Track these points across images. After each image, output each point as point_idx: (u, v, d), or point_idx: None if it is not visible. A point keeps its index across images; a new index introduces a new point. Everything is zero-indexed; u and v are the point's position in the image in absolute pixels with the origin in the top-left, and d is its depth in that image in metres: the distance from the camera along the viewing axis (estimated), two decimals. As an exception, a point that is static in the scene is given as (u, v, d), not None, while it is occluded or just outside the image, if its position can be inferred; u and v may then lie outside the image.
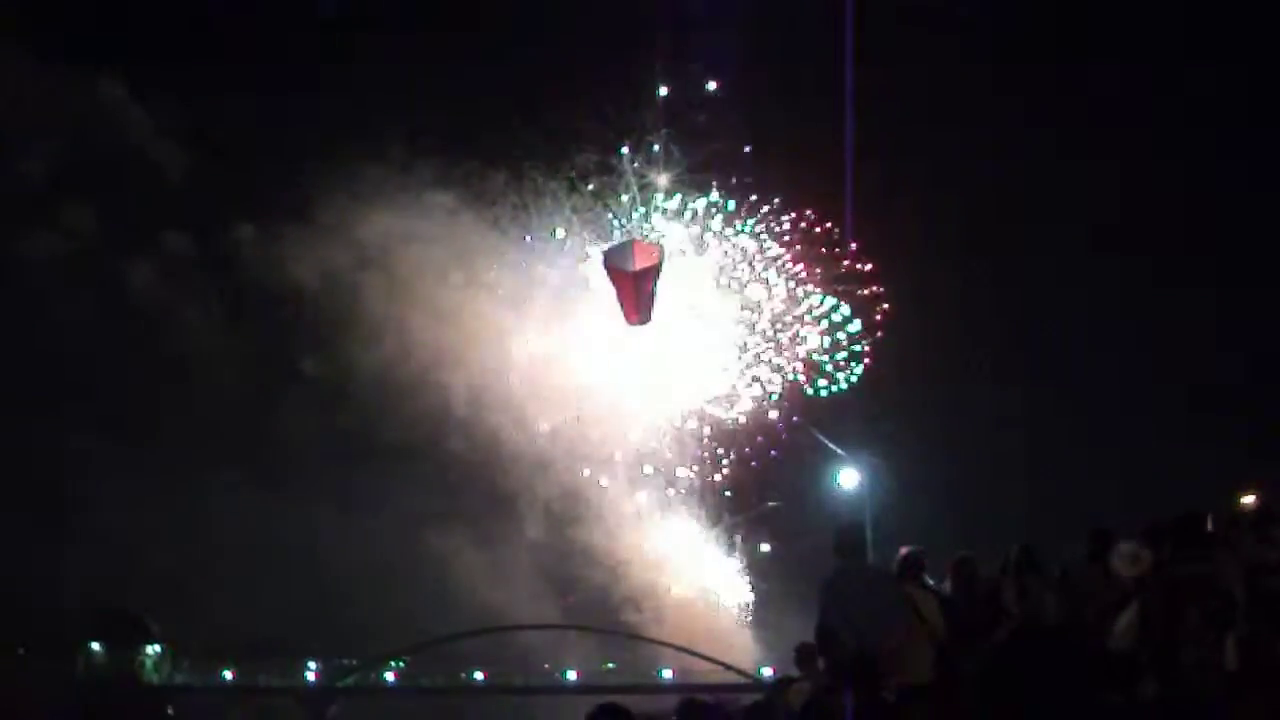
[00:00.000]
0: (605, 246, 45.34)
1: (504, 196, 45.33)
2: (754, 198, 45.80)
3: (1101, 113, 45.15)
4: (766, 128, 44.71)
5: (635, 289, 19.42)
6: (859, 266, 42.76)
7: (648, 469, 47.23)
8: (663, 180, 45.53)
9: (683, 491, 47.64)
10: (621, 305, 20.31)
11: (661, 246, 27.44)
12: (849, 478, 26.74)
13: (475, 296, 45.51)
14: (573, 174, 45.43)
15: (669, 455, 47.01)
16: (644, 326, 24.01)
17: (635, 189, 45.29)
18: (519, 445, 45.08)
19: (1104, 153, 44.49)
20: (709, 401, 46.39)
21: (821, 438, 32.80)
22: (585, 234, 45.82)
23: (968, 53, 43.06)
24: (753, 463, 46.77)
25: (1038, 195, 45.64)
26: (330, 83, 46.86)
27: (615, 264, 19.78)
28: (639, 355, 43.74)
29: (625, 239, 39.78)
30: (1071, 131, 45.09)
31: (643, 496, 47.48)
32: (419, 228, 45.03)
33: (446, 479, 45.29)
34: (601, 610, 48.13)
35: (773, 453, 46.52)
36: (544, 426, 45.52)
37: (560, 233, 45.59)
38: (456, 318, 45.09)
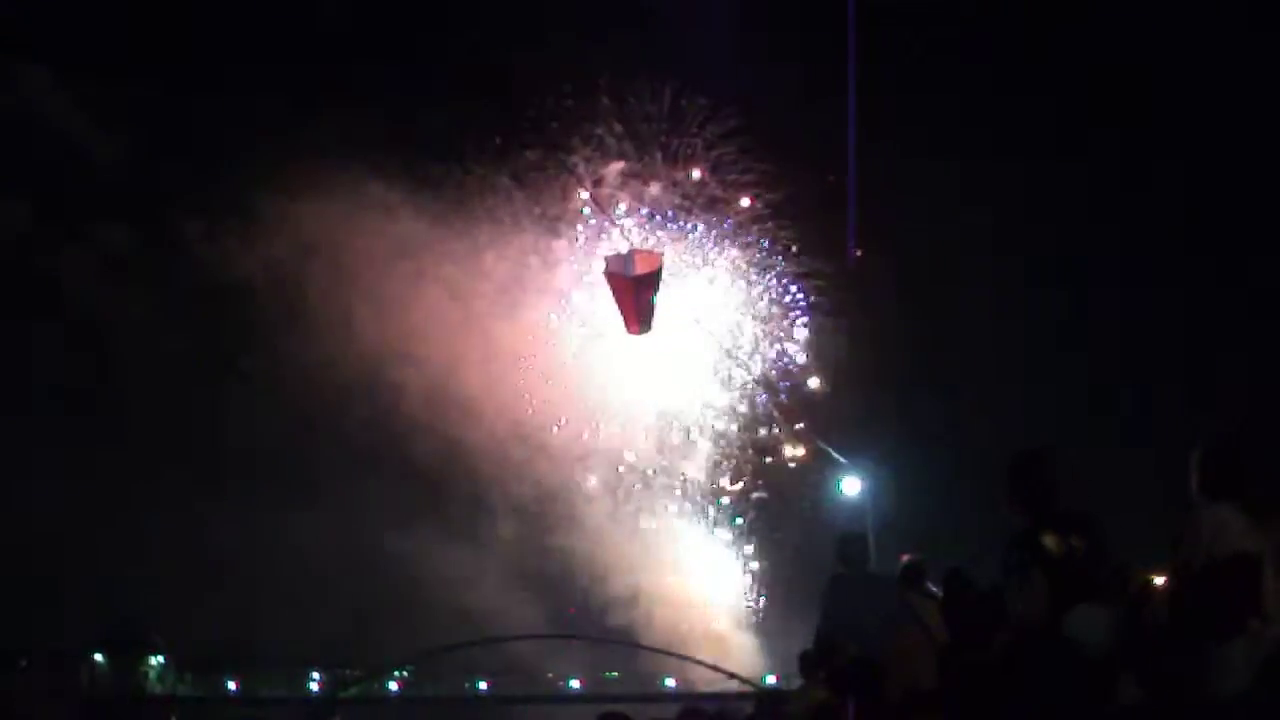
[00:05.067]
0: (556, 240, 45.41)
1: (446, 190, 44.78)
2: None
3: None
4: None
5: (635, 297, 19.22)
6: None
7: (628, 470, 46.72)
8: (612, 171, 45.17)
9: (669, 493, 47.21)
10: (621, 314, 20.09)
11: (661, 253, 27.26)
12: (852, 485, 26.57)
13: (424, 291, 44.82)
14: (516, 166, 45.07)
15: (653, 455, 46.58)
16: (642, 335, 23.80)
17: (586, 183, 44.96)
18: (490, 449, 44.58)
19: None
20: (693, 397, 46.09)
21: (823, 444, 32.65)
22: (534, 228, 45.45)
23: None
24: (748, 457, 46.51)
25: (1035, 192, 45.27)
26: (268, 75, 45.84)
27: (614, 270, 19.57)
28: (607, 353, 43.33)
29: (624, 246, 39.54)
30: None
31: (627, 498, 47.03)
32: (361, 221, 44.17)
33: (417, 483, 44.82)
34: (595, 618, 47.79)
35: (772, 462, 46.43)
36: (511, 426, 44.97)
37: (505, 224, 45.20)
38: (405, 313, 44.38)
